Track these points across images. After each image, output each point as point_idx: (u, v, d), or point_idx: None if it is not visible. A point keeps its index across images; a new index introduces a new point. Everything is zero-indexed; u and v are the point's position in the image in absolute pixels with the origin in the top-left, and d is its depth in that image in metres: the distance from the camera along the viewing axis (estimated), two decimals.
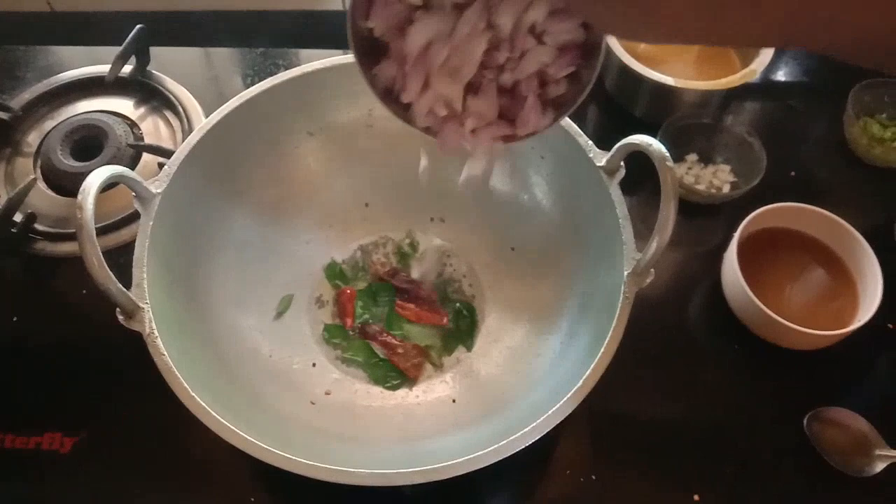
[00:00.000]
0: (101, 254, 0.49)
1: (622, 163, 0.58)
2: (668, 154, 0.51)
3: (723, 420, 0.69)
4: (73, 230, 0.75)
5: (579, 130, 0.61)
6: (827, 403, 0.68)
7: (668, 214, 0.50)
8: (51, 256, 0.77)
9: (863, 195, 0.85)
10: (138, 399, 0.67)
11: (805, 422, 0.67)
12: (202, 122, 0.62)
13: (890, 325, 0.74)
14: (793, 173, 0.86)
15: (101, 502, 0.65)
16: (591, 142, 0.60)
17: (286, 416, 0.59)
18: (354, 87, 0.68)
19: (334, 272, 0.74)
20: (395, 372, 0.69)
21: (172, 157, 0.60)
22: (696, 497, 0.65)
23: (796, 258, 0.76)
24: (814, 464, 0.66)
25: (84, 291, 0.75)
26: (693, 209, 0.81)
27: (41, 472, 0.65)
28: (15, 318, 0.74)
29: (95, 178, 0.50)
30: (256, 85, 0.64)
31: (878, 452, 0.65)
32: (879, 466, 0.65)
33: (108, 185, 0.75)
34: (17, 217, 0.77)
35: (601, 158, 0.59)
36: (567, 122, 0.61)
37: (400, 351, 0.69)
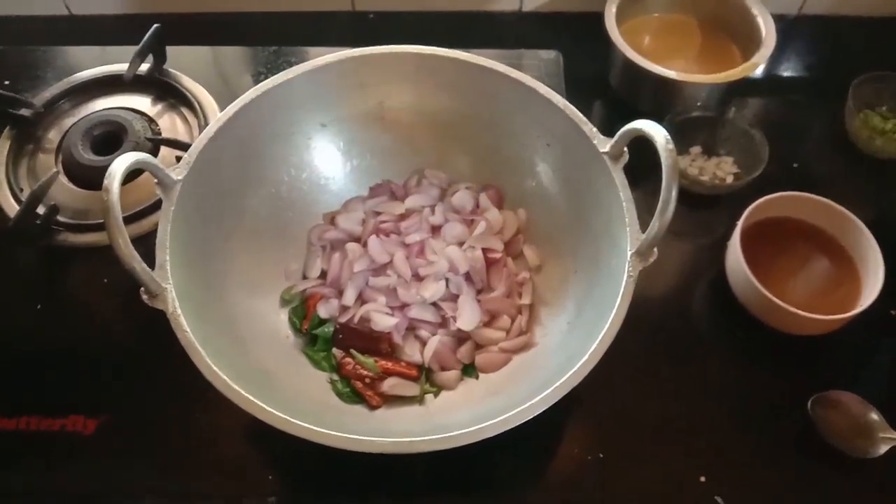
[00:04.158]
0: (127, 235, 0.51)
1: (626, 148, 0.60)
2: (668, 135, 0.52)
3: (728, 404, 0.70)
4: (95, 221, 0.79)
5: (584, 118, 0.63)
6: (831, 388, 0.69)
7: (670, 193, 0.51)
8: (72, 247, 0.79)
9: (864, 186, 0.86)
10: (159, 383, 0.70)
11: (809, 405, 0.68)
12: (219, 115, 0.65)
13: (892, 312, 0.75)
14: (795, 165, 0.88)
15: (123, 482, 0.66)
16: (595, 128, 0.62)
17: (303, 394, 0.61)
18: (366, 80, 0.70)
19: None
20: (355, 395, 0.65)
21: (192, 147, 0.62)
22: (702, 479, 0.66)
23: (799, 247, 0.77)
24: (818, 446, 0.67)
25: (105, 280, 0.77)
26: (696, 201, 0.83)
27: (66, 453, 0.67)
28: (39, 307, 0.76)
29: (121, 163, 0.52)
30: (271, 78, 0.66)
31: (881, 435, 0.66)
32: (883, 448, 0.66)
33: (129, 179, 0.79)
34: (40, 210, 0.79)
35: (605, 144, 0.61)
36: (572, 109, 0.63)
37: (367, 381, 0.65)
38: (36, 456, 0.67)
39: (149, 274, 0.53)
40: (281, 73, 0.67)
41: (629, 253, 0.55)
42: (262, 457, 0.67)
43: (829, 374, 0.71)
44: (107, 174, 0.52)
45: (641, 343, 0.73)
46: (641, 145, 0.57)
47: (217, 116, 0.64)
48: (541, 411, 0.50)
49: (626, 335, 0.72)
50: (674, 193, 0.52)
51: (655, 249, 0.55)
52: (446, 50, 0.68)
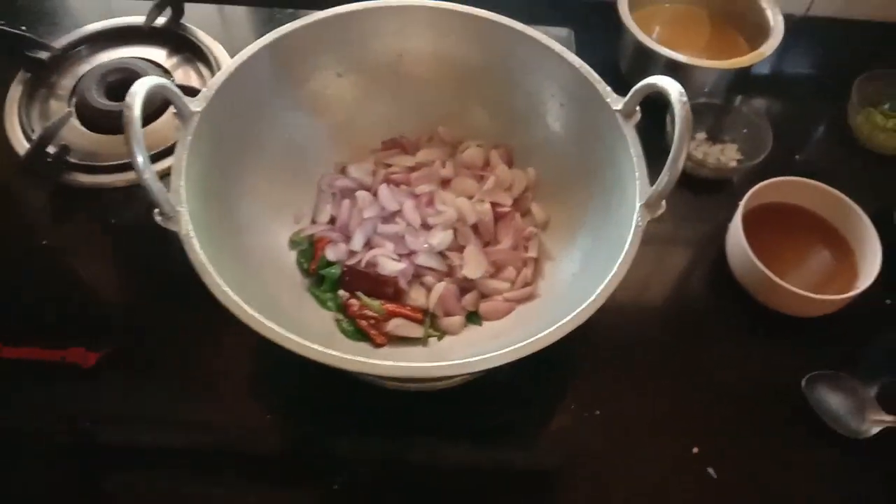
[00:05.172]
0: (146, 151, 0.51)
1: (638, 107, 0.61)
2: (682, 89, 0.53)
3: (725, 380, 0.71)
4: (105, 164, 0.79)
5: (598, 77, 0.64)
6: (825, 369, 0.70)
7: (682, 145, 0.52)
8: (82, 187, 0.80)
9: (865, 178, 0.87)
10: (161, 323, 0.71)
11: (803, 384, 0.69)
12: (239, 54, 0.65)
13: (888, 302, 0.77)
14: (797, 157, 0.90)
15: (123, 410, 0.67)
16: (609, 87, 0.63)
17: (310, 328, 0.61)
18: (384, 31, 0.71)
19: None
20: (360, 333, 0.65)
21: (211, 81, 0.62)
22: (695, 450, 0.67)
23: (798, 233, 0.79)
24: (811, 425, 0.68)
25: (112, 221, 0.78)
26: (700, 186, 0.84)
27: (65, 384, 0.67)
28: (44, 242, 0.76)
29: (143, 84, 0.53)
30: (290, 23, 0.67)
31: (872, 417, 0.68)
32: (874, 430, 0.67)
33: (147, 122, 0.80)
34: (52, 149, 0.79)
35: (618, 103, 0.62)
36: (587, 68, 0.65)
37: (372, 321, 0.66)
38: (36, 384, 0.68)
39: (164, 193, 0.53)
40: (300, 19, 0.67)
41: (638, 204, 0.56)
42: (262, 396, 0.68)
43: (823, 357, 0.72)
44: (128, 94, 0.52)
45: (641, 318, 0.75)
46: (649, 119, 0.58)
47: (237, 55, 0.65)
48: (548, 344, 0.50)
49: (627, 310, 0.73)
50: (685, 146, 0.52)
51: (664, 202, 0.56)
52: (465, 7, 0.69)
